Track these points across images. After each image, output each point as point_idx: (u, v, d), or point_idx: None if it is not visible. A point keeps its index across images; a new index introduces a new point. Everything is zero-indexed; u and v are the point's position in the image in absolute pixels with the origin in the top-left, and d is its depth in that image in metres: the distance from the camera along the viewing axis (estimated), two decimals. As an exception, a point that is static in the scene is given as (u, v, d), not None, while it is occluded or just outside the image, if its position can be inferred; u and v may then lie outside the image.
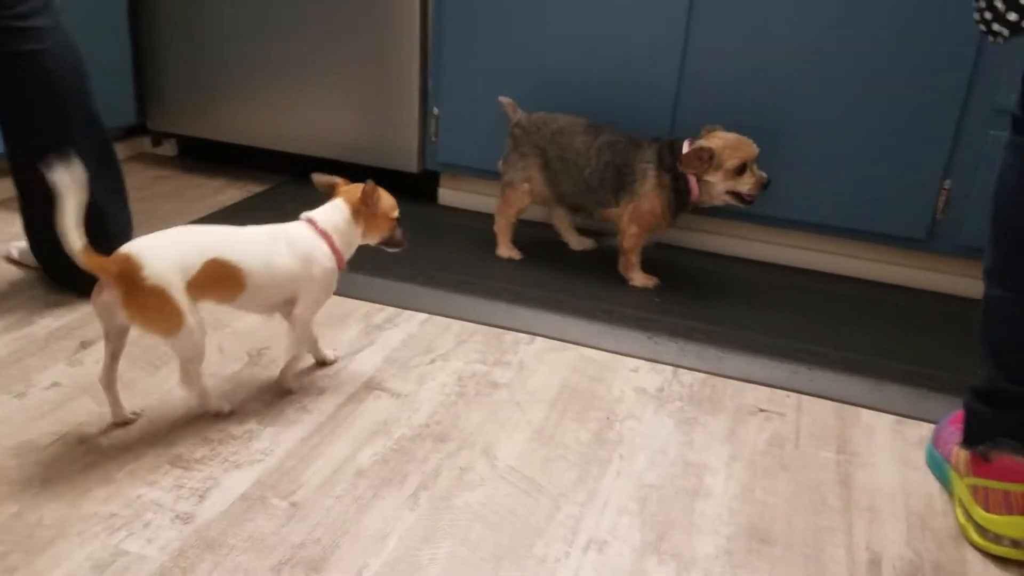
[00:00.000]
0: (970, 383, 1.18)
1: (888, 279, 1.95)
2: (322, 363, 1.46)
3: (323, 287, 1.33)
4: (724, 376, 1.50)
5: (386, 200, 1.41)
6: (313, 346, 1.43)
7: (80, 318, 1.54)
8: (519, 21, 1.95)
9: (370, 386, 1.40)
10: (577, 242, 2.02)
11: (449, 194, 2.24)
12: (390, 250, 1.45)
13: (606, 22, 1.89)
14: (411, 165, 2.16)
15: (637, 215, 1.78)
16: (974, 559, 1.10)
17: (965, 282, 1.87)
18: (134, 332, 1.21)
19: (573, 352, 1.55)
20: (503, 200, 1.92)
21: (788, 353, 1.58)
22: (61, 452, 1.18)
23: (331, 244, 1.33)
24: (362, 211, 1.37)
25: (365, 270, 1.80)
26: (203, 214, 2.06)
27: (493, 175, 2.12)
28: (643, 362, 1.53)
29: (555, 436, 1.30)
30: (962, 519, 1.15)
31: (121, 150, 2.42)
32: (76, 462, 1.16)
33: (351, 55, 2.11)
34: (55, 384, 1.34)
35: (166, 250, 1.18)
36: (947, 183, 1.77)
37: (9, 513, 1.06)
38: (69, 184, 1.07)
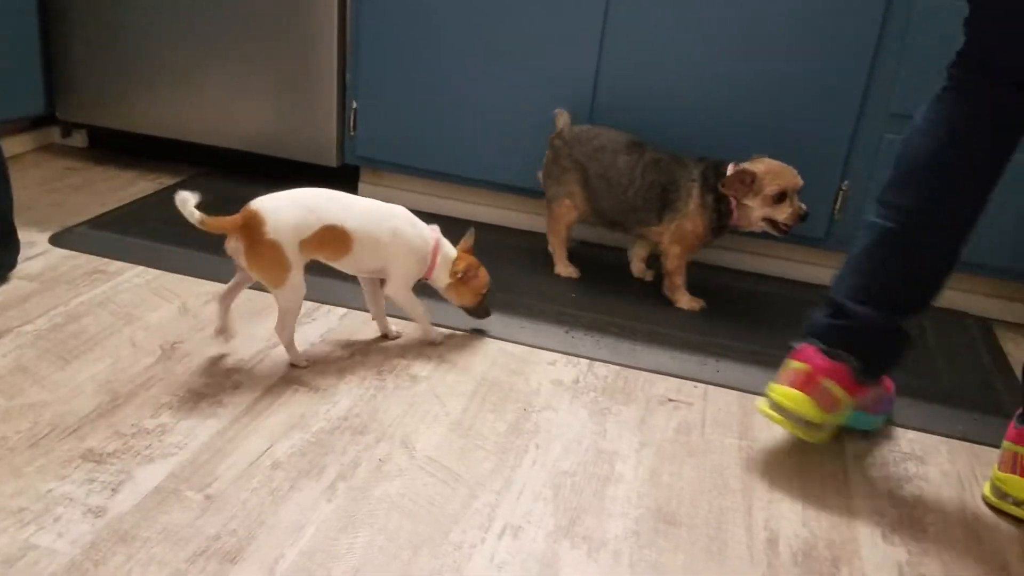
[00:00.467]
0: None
1: (790, 276, 2.04)
2: (384, 336, 1.58)
3: (412, 267, 1.49)
4: (637, 368, 1.55)
5: (481, 279, 1.56)
6: (383, 320, 1.58)
7: (-17, 312, 1.50)
8: (438, 13, 1.96)
9: (288, 380, 1.40)
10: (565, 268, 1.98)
11: (369, 189, 2.24)
12: (470, 316, 1.60)
13: (521, 15, 1.92)
14: (330, 159, 2.16)
15: (680, 235, 1.76)
16: (864, 536, 1.17)
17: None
18: (48, 324, 1.18)
19: (492, 346, 1.58)
20: (550, 217, 1.89)
21: (697, 346, 1.65)
22: (-36, 448, 1.15)
23: (435, 253, 1.51)
24: (457, 276, 1.53)
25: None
26: (114, 206, 2.02)
27: (414, 170, 2.13)
28: (560, 355, 1.57)
29: (473, 427, 1.32)
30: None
31: (28, 141, 2.36)
32: (-20, 458, 1.14)
33: (268, 45, 2.09)
34: (-43, 379, 1.30)
35: (287, 211, 1.34)
36: (845, 184, 1.87)
37: (-92, 511, 1.03)
38: None
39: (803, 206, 1.71)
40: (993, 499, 1.27)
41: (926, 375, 1.62)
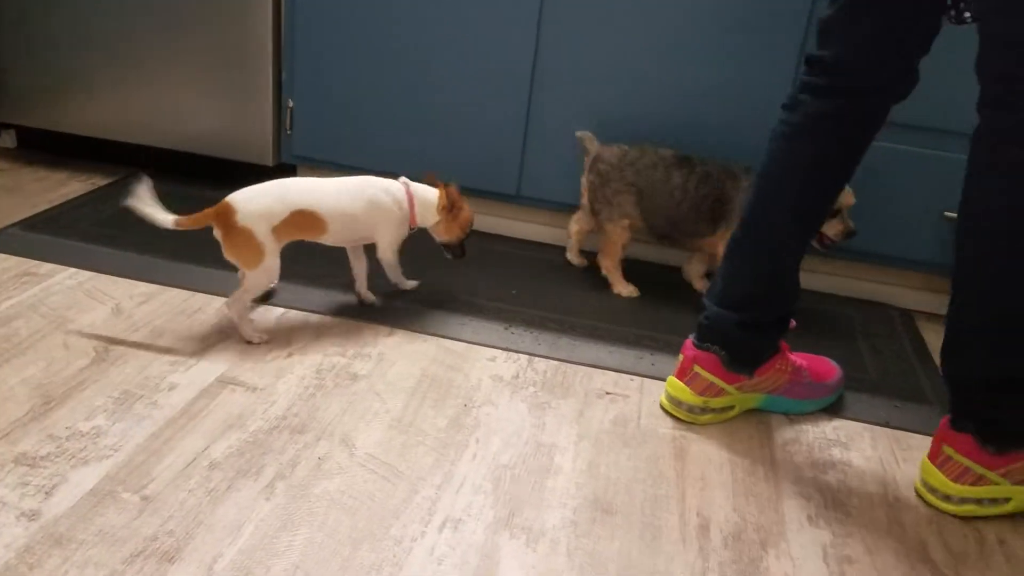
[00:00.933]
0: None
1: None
2: (360, 303, 1.71)
3: (395, 231, 1.64)
4: (575, 363, 1.58)
5: (466, 214, 1.69)
6: (364, 287, 1.71)
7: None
8: (372, 10, 1.97)
9: (224, 380, 1.39)
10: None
11: (308, 189, 2.23)
12: (447, 255, 1.73)
13: (455, 11, 1.94)
14: (266, 158, 2.14)
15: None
16: (791, 519, 1.22)
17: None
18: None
19: (432, 343, 1.59)
20: (607, 241, 1.88)
21: (634, 341, 1.69)
22: None
23: (411, 204, 1.63)
24: (445, 208, 1.65)
25: (218, 265, 1.78)
26: (44, 208, 1.97)
27: (351, 168, 2.13)
28: (500, 351, 1.59)
29: (414, 423, 1.34)
30: None
31: (-49, 140, 2.29)
32: (-94, 465, 1.11)
33: (202, 43, 2.07)
34: None
35: (256, 200, 1.47)
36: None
37: None
38: None
39: (852, 225, 1.73)
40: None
41: (851, 365, 1.68)
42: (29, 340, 1.43)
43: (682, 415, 1.43)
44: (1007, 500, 1.26)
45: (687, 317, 1.81)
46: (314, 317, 1.63)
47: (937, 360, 1.76)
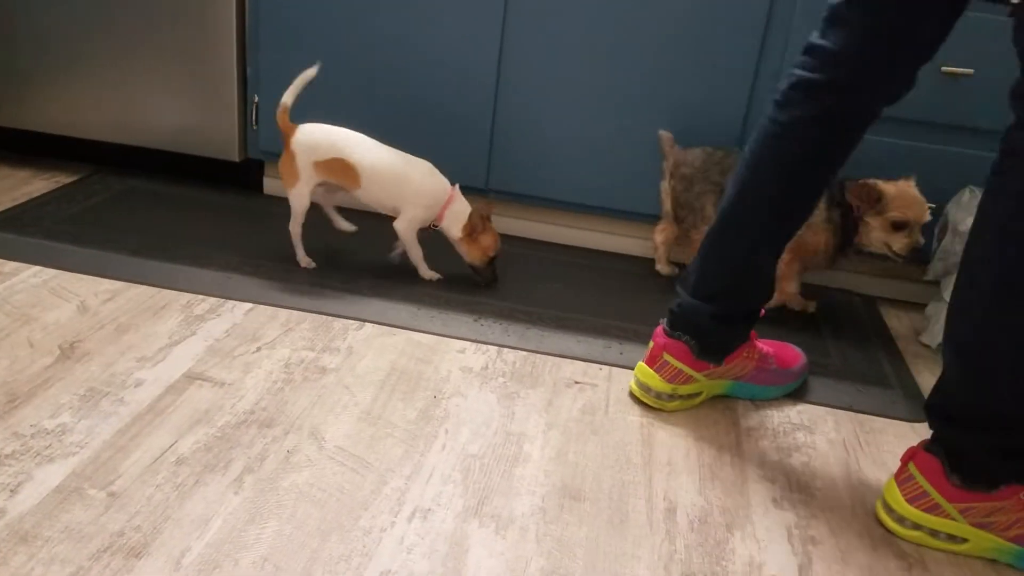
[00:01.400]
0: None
1: (688, 261, 2.11)
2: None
3: (418, 213, 1.76)
4: (544, 353, 1.59)
5: (489, 238, 1.79)
6: (416, 254, 1.83)
7: None
8: (339, 5, 1.96)
9: (191, 376, 1.39)
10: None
11: (275, 183, 2.22)
12: (476, 278, 1.84)
13: (422, 9, 1.94)
14: (232, 154, 2.13)
15: (799, 244, 1.73)
16: (756, 502, 1.24)
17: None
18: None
19: (402, 336, 1.59)
20: (689, 247, 1.87)
21: (601, 330, 1.70)
22: None
23: (447, 204, 1.77)
24: (467, 229, 1.77)
25: (184, 260, 1.77)
26: (8, 206, 1.95)
27: (320, 165, 2.13)
28: (469, 343, 1.60)
29: (383, 416, 1.34)
30: None
31: (-91, 138, 2.25)
32: None
33: (166, 39, 2.05)
34: None
35: (313, 135, 1.73)
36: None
37: None
38: None
39: (922, 240, 1.70)
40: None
41: (815, 350, 1.71)
42: (-8, 339, 1.42)
43: (650, 401, 1.44)
44: (964, 540, 1.18)
45: (655, 307, 1.83)
46: (283, 312, 1.63)
47: (900, 345, 1.80)
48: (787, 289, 1.84)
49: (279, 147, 2.09)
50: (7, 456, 1.14)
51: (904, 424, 1.49)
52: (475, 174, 2.05)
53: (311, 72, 1.74)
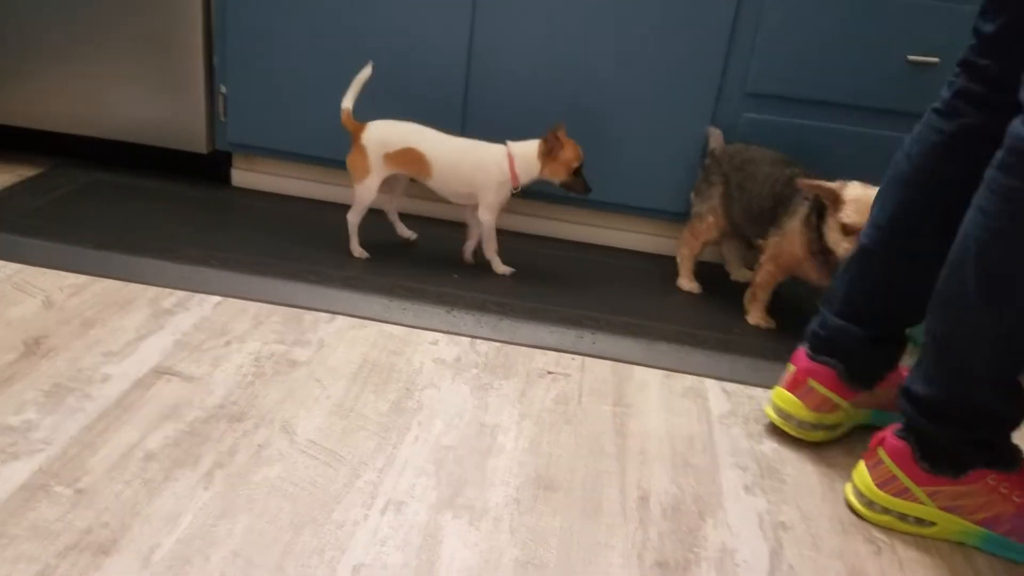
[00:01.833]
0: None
1: (653, 250, 2.12)
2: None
3: (495, 194, 1.81)
4: (517, 344, 1.59)
5: (569, 151, 1.78)
6: (492, 243, 1.88)
7: None
8: None
9: (159, 371, 1.37)
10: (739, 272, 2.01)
11: (243, 175, 2.20)
12: (570, 193, 1.84)
13: (394, 3, 1.92)
14: (200, 145, 2.10)
15: (776, 252, 1.69)
16: (728, 490, 1.25)
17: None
18: None
19: (374, 328, 1.58)
20: (689, 231, 1.86)
21: (574, 320, 1.70)
22: None
23: (511, 165, 1.78)
24: (545, 153, 1.77)
25: (151, 253, 1.75)
26: (-33, 200, 1.91)
27: (289, 156, 2.10)
28: (442, 335, 1.59)
29: (355, 408, 1.33)
30: None
31: None
32: None
33: (132, 29, 2.01)
34: None
35: (382, 129, 1.79)
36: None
37: None
38: None
39: None
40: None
41: (783, 339, 1.72)
42: (-47, 335, 1.39)
43: (791, 430, 1.37)
44: (932, 524, 1.20)
45: (626, 297, 1.84)
46: (252, 305, 1.61)
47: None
48: (757, 295, 1.78)
49: (248, 138, 2.08)
50: (-30, 454, 1.12)
51: (873, 410, 1.51)
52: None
53: (366, 72, 1.78)
